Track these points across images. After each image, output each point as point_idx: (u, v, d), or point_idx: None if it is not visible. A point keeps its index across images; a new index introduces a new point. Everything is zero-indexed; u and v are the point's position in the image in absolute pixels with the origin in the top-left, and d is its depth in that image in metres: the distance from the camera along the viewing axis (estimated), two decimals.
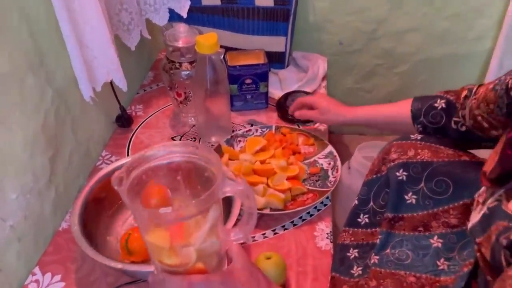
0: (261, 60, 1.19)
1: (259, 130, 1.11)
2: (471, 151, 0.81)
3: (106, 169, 0.89)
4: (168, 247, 0.54)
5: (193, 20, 1.24)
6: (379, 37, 1.48)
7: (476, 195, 0.67)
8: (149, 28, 1.18)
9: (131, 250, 0.78)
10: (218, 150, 1.04)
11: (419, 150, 0.79)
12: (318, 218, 0.93)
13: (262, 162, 1.00)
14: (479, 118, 0.74)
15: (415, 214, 0.77)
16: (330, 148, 1.05)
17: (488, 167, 0.60)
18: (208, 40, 0.95)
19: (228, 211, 0.78)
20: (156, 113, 1.23)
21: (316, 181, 0.99)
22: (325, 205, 0.96)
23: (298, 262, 0.84)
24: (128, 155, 1.09)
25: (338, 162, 1.01)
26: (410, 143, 0.80)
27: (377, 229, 0.81)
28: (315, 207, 0.95)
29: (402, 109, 0.88)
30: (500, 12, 1.37)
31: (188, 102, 1.13)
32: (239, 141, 1.09)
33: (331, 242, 0.88)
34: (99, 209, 0.86)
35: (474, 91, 0.78)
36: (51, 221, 0.89)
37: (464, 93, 0.79)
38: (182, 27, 1.07)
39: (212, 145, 1.11)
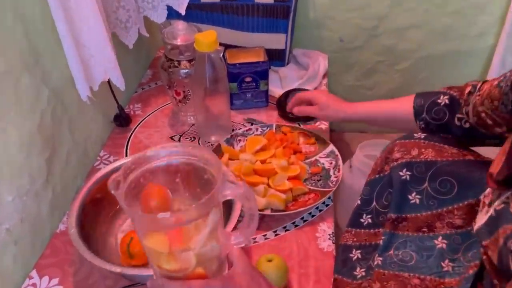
0: (261, 57, 1.18)
1: (260, 129, 1.10)
2: (475, 150, 0.80)
3: (104, 169, 0.88)
4: (167, 252, 0.52)
5: (191, 18, 1.23)
6: (380, 34, 1.47)
7: (481, 196, 0.66)
8: (147, 26, 1.17)
9: (132, 254, 0.77)
10: (218, 150, 1.03)
11: (423, 150, 0.78)
12: (320, 218, 0.92)
13: (263, 161, 0.98)
14: (483, 115, 0.73)
15: (419, 215, 0.76)
16: (331, 147, 1.04)
17: (495, 169, 0.59)
18: (207, 38, 0.93)
19: (228, 213, 0.77)
20: (154, 112, 1.22)
21: (318, 181, 0.97)
22: (327, 205, 0.94)
23: (300, 264, 0.83)
24: (126, 155, 1.08)
25: (340, 162, 1.00)
26: (413, 142, 0.79)
27: (380, 229, 0.80)
28: (317, 208, 0.93)
29: (403, 105, 0.86)
30: (502, 8, 1.36)
31: (187, 101, 1.12)
32: (239, 140, 1.07)
33: (333, 243, 0.87)
34: (97, 210, 0.85)
35: (478, 87, 0.76)
36: (48, 223, 0.88)
37: (468, 89, 0.78)
38: (180, 25, 1.05)
39: (211, 145, 1.09)
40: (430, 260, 0.74)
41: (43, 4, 0.79)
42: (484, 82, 0.77)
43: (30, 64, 0.80)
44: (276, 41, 1.26)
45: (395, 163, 0.78)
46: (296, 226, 0.90)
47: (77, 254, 0.84)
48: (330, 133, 1.16)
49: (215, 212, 0.53)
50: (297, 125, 1.13)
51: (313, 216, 0.92)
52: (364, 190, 0.84)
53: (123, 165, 0.83)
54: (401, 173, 0.77)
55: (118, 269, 0.70)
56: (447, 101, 0.80)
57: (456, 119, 0.79)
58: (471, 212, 0.72)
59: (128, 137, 1.13)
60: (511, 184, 0.57)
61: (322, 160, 1.02)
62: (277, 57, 1.30)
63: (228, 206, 0.78)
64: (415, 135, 0.81)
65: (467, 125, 0.78)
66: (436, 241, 0.74)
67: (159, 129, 1.16)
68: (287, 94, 1.20)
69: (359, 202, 0.84)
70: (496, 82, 0.70)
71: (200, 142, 1.11)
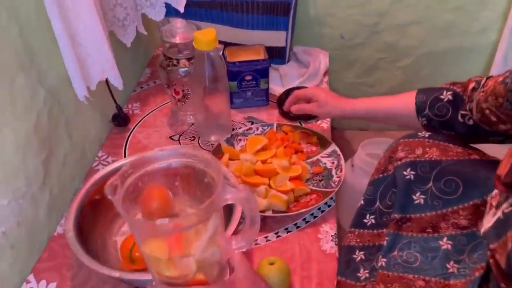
0: (261, 55, 1.16)
1: (260, 129, 1.08)
2: (480, 148, 0.78)
3: (103, 171, 0.86)
4: (166, 258, 0.51)
5: (190, 15, 1.21)
6: (381, 31, 1.45)
7: (488, 198, 0.64)
8: (145, 24, 1.15)
9: (134, 259, 0.76)
10: (218, 150, 1.01)
11: (427, 149, 0.76)
12: (322, 219, 0.90)
13: (264, 162, 0.97)
14: (487, 111, 0.72)
15: (423, 215, 0.74)
16: (333, 146, 1.02)
17: (502, 171, 0.57)
18: (206, 36, 0.92)
19: (229, 215, 0.75)
20: (153, 112, 1.20)
21: (320, 181, 0.96)
22: (329, 206, 0.93)
23: (302, 267, 0.82)
24: (125, 155, 1.06)
25: (342, 161, 0.98)
26: (417, 141, 0.78)
27: (384, 230, 0.79)
28: (319, 208, 0.92)
29: (405, 101, 0.85)
30: (504, 4, 1.35)
31: (187, 100, 1.10)
32: (240, 140, 1.06)
33: (336, 244, 0.86)
34: (96, 213, 0.83)
35: (482, 83, 0.75)
36: (46, 226, 0.86)
37: (472, 85, 0.77)
38: (179, 23, 1.03)
39: (211, 144, 1.08)
40: (435, 261, 0.73)
41: (38, 1, 0.78)
42: (488, 78, 0.75)
43: (25, 63, 0.78)
44: (276, 38, 1.25)
45: (399, 163, 0.77)
46: (298, 227, 0.89)
47: (75, 258, 0.82)
48: (331, 132, 1.15)
49: (216, 216, 0.51)
50: (298, 124, 1.11)
51: (315, 217, 0.91)
52: (367, 190, 0.83)
53: (121, 166, 0.82)
54: (405, 173, 0.75)
55: (116, 274, 0.68)
56: (450, 97, 0.79)
57: (459, 116, 0.78)
58: (477, 213, 0.71)
59: (127, 137, 1.11)
60: None
61: (324, 160, 1.00)
62: (277, 55, 1.29)
63: (228, 208, 0.76)
64: (419, 134, 0.79)
65: (471, 122, 0.77)
66: (441, 242, 0.73)
67: (158, 128, 1.14)
68: (288, 92, 1.19)
69: (362, 202, 0.83)
70: (501, 79, 0.69)
71: (199, 142, 1.10)
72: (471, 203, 0.71)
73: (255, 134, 1.07)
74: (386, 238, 0.76)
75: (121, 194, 0.49)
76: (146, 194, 0.54)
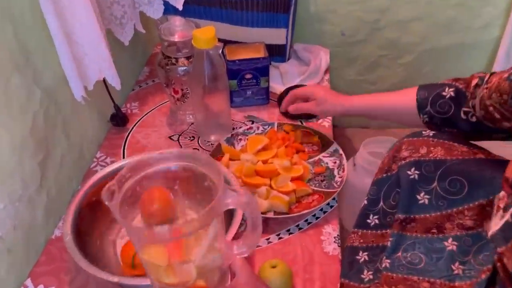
0: (261, 53, 1.15)
1: (261, 128, 1.07)
2: (485, 147, 0.77)
3: (101, 172, 0.85)
4: (165, 264, 0.49)
5: (189, 13, 1.20)
6: (383, 27, 1.44)
7: (496, 200, 0.63)
8: (143, 22, 1.13)
9: (136, 264, 0.74)
10: (218, 150, 1.00)
11: (432, 148, 0.75)
12: (324, 221, 0.89)
13: (264, 162, 0.95)
14: (491, 108, 0.71)
15: (428, 215, 0.73)
16: (335, 146, 1.01)
17: (510, 173, 0.56)
18: (206, 34, 0.90)
19: (230, 217, 0.74)
20: (152, 111, 1.18)
21: (322, 181, 0.94)
22: (331, 206, 0.91)
23: (305, 269, 0.80)
24: (124, 156, 1.05)
25: (344, 161, 0.97)
26: (422, 140, 0.77)
27: (388, 230, 0.78)
28: (321, 209, 0.91)
29: (406, 98, 0.84)
30: (507, 0, 1.33)
31: (186, 99, 1.08)
32: (240, 139, 1.04)
33: (338, 246, 0.84)
34: (94, 215, 0.82)
35: (486, 80, 0.74)
36: (43, 229, 0.85)
37: (475, 81, 0.75)
38: (178, 21, 1.02)
39: (211, 144, 1.06)
40: (440, 262, 0.72)
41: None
42: (492, 74, 0.74)
43: (20, 63, 0.76)
44: (277, 36, 1.23)
45: (403, 162, 0.76)
46: (300, 229, 0.87)
47: (73, 262, 0.80)
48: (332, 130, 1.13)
49: (216, 222, 0.50)
50: (299, 123, 1.10)
51: (317, 218, 0.89)
52: (371, 190, 0.82)
53: (120, 167, 0.80)
54: (409, 172, 0.74)
55: (115, 279, 0.67)
56: (452, 94, 0.78)
57: (462, 113, 0.77)
58: (482, 213, 0.70)
59: (125, 137, 1.10)
60: None
61: (325, 160, 0.99)
62: (277, 53, 1.27)
63: (229, 211, 0.74)
64: (424, 132, 0.78)
65: (474, 119, 0.76)
66: (446, 243, 0.72)
67: (157, 128, 1.13)
68: (288, 91, 1.17)
69: (365, 202, 0.82)
70: (506, 75, 0.67)
71: (199, 142, 1.08)
72: (476, 203, 0.70)
73: (256, 134, 1.05)
74: (390, 239, 0.75)
75: (118, 199, 0.47)
76: (146, 196, 0.52)
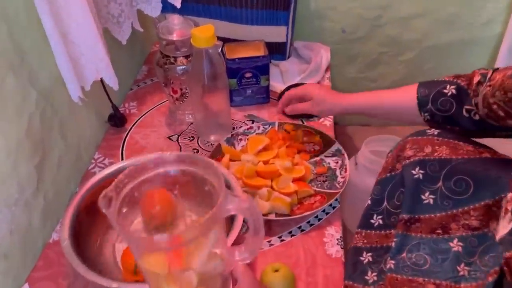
0: (261, 51, 1.13)
1: (261, 128, 1.05)
2: (490, 146, 0.76)
3: (99, 175, 0.83)
4: (165, 273, 0.48)
5: (187, 11, 1.18)
6: (384, 24, 1.42)
7: (503, 202, 0.62)
8: (140, 20, 1.12)
9: (138, 271, 0.72)
10: (218, 150, 0.98)
11: (437, 147, 0.74)
12: (326, 222, 0.87)
13: (265, 162, 0.94)
14: (495, 106, 0.69)
15: (432, 215, 0.72)
16: (337, 145, 0.99)
17: None
18: (205, 33, 0.89)
19: (230, 220, 0.72)
20: (151, 111, 1.17)
21: (324, 181, 0.93)
22: (333, 207, 0.90)
23: (308, 272, 0.79)
24: (122, 157, 1.03)
25: (347, 161, 0.95)
26: (426, 139, 0.76)
27: (392, 231, 0.77)
28: (323, 210, 0.89)
29: (406, 96, 0.82)
30: None
31: (185, 99, 1.07)
32: (240, 139, 1.03)
33: (341, 248, 0.83)
34: (92, 218, 0.80)
35: (488, 77, 0.72)
36: (40, 233, 0.83)
37: (477, 78, 0.74)
38: (176, 19, 1.00)
39: (211, 145, 1.05)
40: (445, 263, 0.71)
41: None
42: (495, 70, 0.72)
43: (15, 63, 0.75)
44: (277, 33, 1.21)
45: (407, 161, 0.75)
46: (302, 230, 0.86)
47: (71, 266, 0.79)
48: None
49: (217, 228, 0.48)
50: (300, 122, 1.08)
51: (319, 219, 0.88)
52: (374, 189, 0.81)
53: (118, 169, 0.79)
54: (413, 172, 0.73)
55: (114, 285, 0.65)
56: (454, 91, 0.76)
57: (464, 111, 0.76)
58: (488, 213, 0.68)
59: (124, 138, 1.08)
60: None
61: (327, 160, 0.97)
62: (277, 51, 1.25)
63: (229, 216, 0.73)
64: (428, 131, 0.77)
65: (477, 117, 0.75)
66: (451, 244, 0.71)
67: (156, 128, 1.11)
68: (289, 89, 1.15)
69: (369, 202, 0.81)
70: (510, 72, 0.66)
71: (199, 142, 1.07)
72: (482, 203, 0.69)
73: (256, 134, 1.04)
74: (394, 239, 0.74)
75: (116, 206, 0.46)
76: (147, 197, 0.51)
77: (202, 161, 0.51)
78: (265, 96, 1.17)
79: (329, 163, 0.97)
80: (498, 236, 0.59)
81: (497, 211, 0.67)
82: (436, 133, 0.76)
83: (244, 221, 0.73)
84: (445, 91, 0.77)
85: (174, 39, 0.99)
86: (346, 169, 0.93)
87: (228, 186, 0.79)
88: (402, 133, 0.79)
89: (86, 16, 0.80)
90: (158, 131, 1.10)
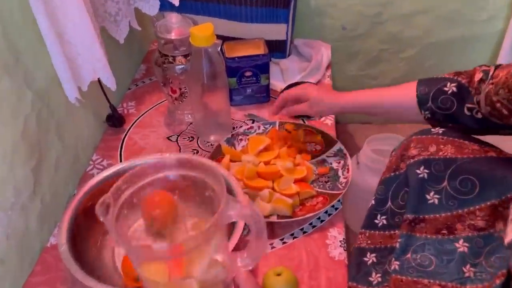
0: (261, 50, 1.11)
1: (262, 127, 1.03)
2: (496, 144, 0.75)
3: (98, 176, 0.81)
4: (166, 281, 0.46)
5: (186, 9, 1.16)
6: (385, 21, 1.41)
7: (511, 204, 0.60)
8: (138, 18, 1.10)
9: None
10: (218, 151, 0.96)
11: (442, 146, 0.72)
12: (329, 223, 0.86)
13: (266, 163, 0.92)
14: (498, 105, 0.68)
15: (437, 216, 0.71)
16: (339, 145, 0.97)
17: None
18: (204, 32, 0.87)
19: (231, 223, 0.71)
20: (149, 111, 1.15)
21: (326, 182, 0.91)
22: (336, 208, 0.88)
23: (310, 275, 0.78)
24: (120, 158, 1.01)
25: (349, 161, 0.94)
26: (431, 138, 0.74)
27: (396, 231, 0.75)
28: (326, 212, 0.88)
29: (405, 93, 0.81)
30: None
31: (184, 99, 1.05)
32: (241, 139, 1.01)
33: (344, 250, 0.82)
34: (91, 221, 0.78)
35: (491, 74, 0.71)
36: (38, 237, 0.82)
37: (479, 76, 0.72)
38: (174, 18, 0.98)
39: (211, 145, 1.03)
40: (450, 265, 0.69)
41: None
42: (497, 67, 0.71)
43: (9, 64, 0.73)
44: (277, 31, 1.20)
45: (412, 161, 0.73)
46: (304, 232, 0.84)
47: (69, 270, 0.78)
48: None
49: (219, 235, 0.47)
50: (301, 122, 1.07)
51: (322, 221, 0.86)
52: (378, 189, 0.79)
53: (117, 171, 0.77)
54: (418, 171, 0.72)
55: None
56: (454, 89, 0.75)
57: (465, 109, 0.74)
58: (494, 213, 0.67)
59: (122, 138, 1.06)
60: None
61: (329, 160, 0.96)
62: (277, 49, 1.24)
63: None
64: (433, 130, 0.76)
65: (479, 115, 0.73)
66: (457, 244, 0.69)
67: (154, 129, 1.09)
68: (289, 88, 1.14)
69: (373, 202, 0.79)
70: None
71: (198, 142, 1.05)
72: (488, 203, 0.68)
73: (257, 134, 1.02)
74: (399, 240, 0.73)
75: (114, 213, 0.44)
76: (148, 199, 0.49)
77: (203, 165, 0.49)
78: (266, 95, 1.15)
79: (331, 163, 0.95)
80: (506, 240, 0.58)
81: (503, 211, 0.66)
82: (441, 132, 0.74)
83: (245, 224, 0.72)
84: (446, 89, 0.76)
85: (173, 38, 0.98)
86: (348, 169, 0.92)
87: (229, 188, 0.77)
88: (404, 131, 0.78)
89: (83, 16, 0.78)
90: (157, 131, 1.09)
